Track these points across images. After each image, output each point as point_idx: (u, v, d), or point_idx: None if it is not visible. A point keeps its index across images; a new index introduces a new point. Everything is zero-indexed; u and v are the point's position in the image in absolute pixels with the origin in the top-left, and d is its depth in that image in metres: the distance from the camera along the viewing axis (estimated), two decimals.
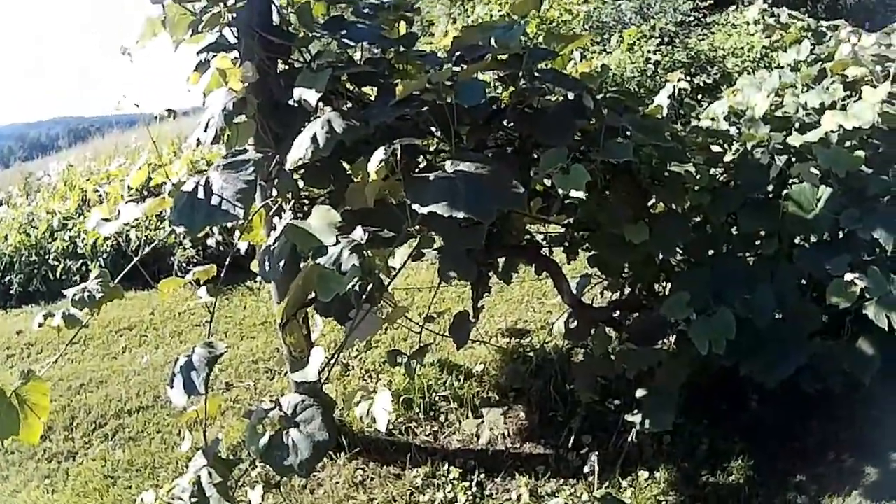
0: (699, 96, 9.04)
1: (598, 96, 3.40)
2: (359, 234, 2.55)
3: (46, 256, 8.14)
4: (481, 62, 2.98)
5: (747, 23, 10.45)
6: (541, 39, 3.60)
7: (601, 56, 10.56)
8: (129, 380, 5.31)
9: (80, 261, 7.98)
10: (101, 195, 7.60)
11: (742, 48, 10.44)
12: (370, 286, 2.62)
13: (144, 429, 4.61)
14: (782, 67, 4.53)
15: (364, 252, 2.51)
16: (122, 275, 3.28)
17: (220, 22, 3.24)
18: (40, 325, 3.10)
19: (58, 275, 7.92)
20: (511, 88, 3.26)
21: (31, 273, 8.07)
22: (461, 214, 2.43)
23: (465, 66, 2.98)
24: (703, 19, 12.31)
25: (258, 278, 5.84)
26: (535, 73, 3.20)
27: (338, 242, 2.52)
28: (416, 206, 2.46)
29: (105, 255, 7.80)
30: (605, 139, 3.03)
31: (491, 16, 9.43)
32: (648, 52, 10.26)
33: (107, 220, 3.40)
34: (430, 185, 2.53)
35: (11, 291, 7.99)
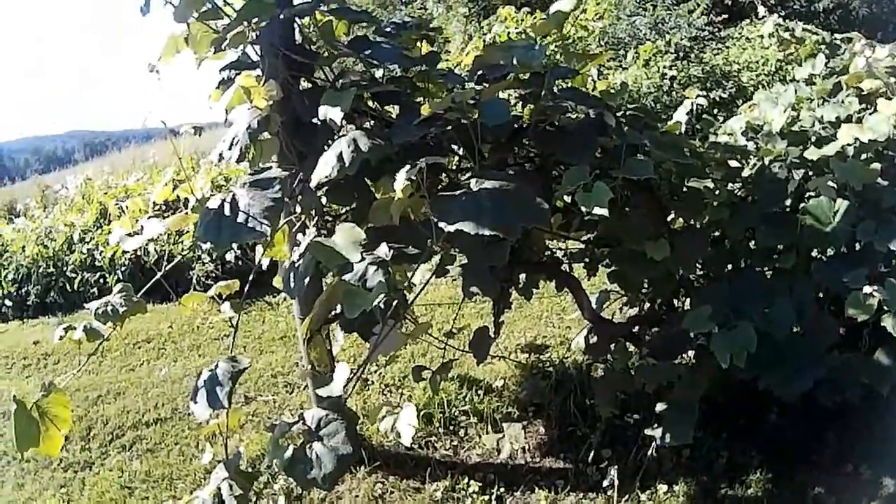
0: (715, 111, 9.04)
1: (618, 114, 3.43)
2: (383, 250, 2.57)
3: (64, 268, 8.22)
4: (504, 81, 3.02)
5: (761, 36, 10.45)
6: (558, 57, 3.64)
7: (617, 72, 10.59)
8: (147, 392, 5.34)
9: (98, 273, 8.06)
10: (121, 209, 7.67)
11: (756, 62, 10.45)
12: (395, 302, 2.65)
13: (162, 440, 4.62)
14: (797, 81, 4.55)
15: (390, 268, 2.54)
16: (144, 289, 3.31)
17: (244, 40, 3.27)
18: (61, 338, 3.12)
19: (75, 287, 8.00)
20: (531, 107, 3.29)
21: (49, 284, 8.16)
22: (487, 232, 2.45)
23: (487, 85, 3.01)
24: (717, 33, 12.33)
25: (277, 293, 5.87)
26: (556, 92, 3.23)
27: (363, 259, 2.55)
28: (442, 224, 2.48)
29: (123, 268, 7.87)
30: (625, 156, 3.05)
31: (508, 34, 9.46)
32: (664, 67, 10.27)
33: (130, 234, 3.44)
34: (456, 202, 2.55)
35: (29, 302, 8.09)
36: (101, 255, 8.11)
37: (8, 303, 8.15)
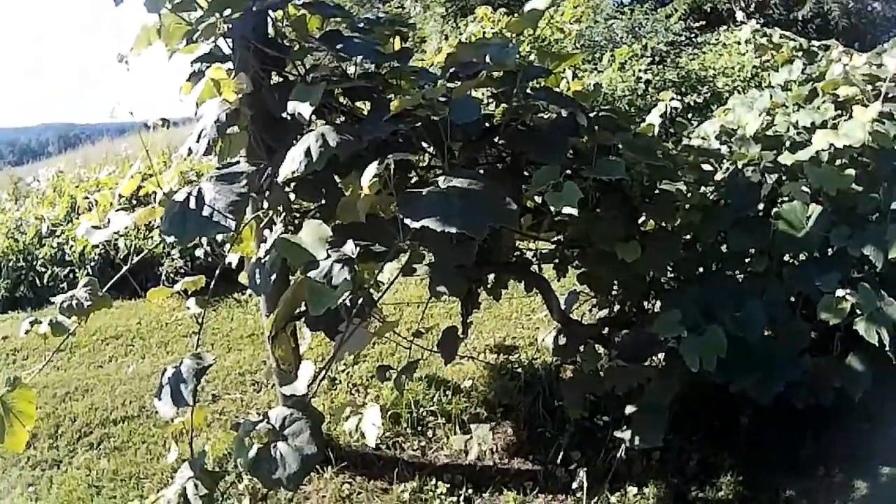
0: (689, 115, 9.07)
1: (591, 115, 3.42)
2: (350, 248, 2.55)
3: (34, 262, 8.11)
4: (475, 79, 2.99)
5: (738, 42, 10.50)
6: (533, 57, 3.62)
7: (593, 75, 10.60)
8: (115, 389, 5.27)
9: (68, 268, 7.96)
10: (90, 203, 7.60)
11: (733, 68, 10.50)
12: (360, 300, 2.62)
13: (130, 438, 4.57)
14: (773, 87, 4.56)
15: (355, 266, 2.51)
16: (110, 283, 3.26)
17: (216, 33, 3.23)
18: (27, 332, 3.09)
19: (45, 281, 7.90)
20: (504, 106, 3.27)
21: (18, 279, 8.05)
22: (453, 230, 2.42)
23: (459, 83, 2.98)
24: (694, 39, 12.39)
25: (246, 290, 5.83)
26: (529, 91, 3.21)
27: (329, 256, 2.52)
28: (408, 221, 2.46)
29: (93, 263, 7.77)
30: (597, 157, 3.04)
31: (483, 33, 9.44)
32: (640, 71, 10.29)
33: (97, 227, 3.39)
34: (423, 199, 2.52)
35: None
36: (71, 249, 8.02)
37: None
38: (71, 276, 7.85)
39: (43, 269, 8.00)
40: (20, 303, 7.91)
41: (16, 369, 5.83)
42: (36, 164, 17.00)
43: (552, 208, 2.77)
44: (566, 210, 2.70)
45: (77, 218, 8.14)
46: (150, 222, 3.43)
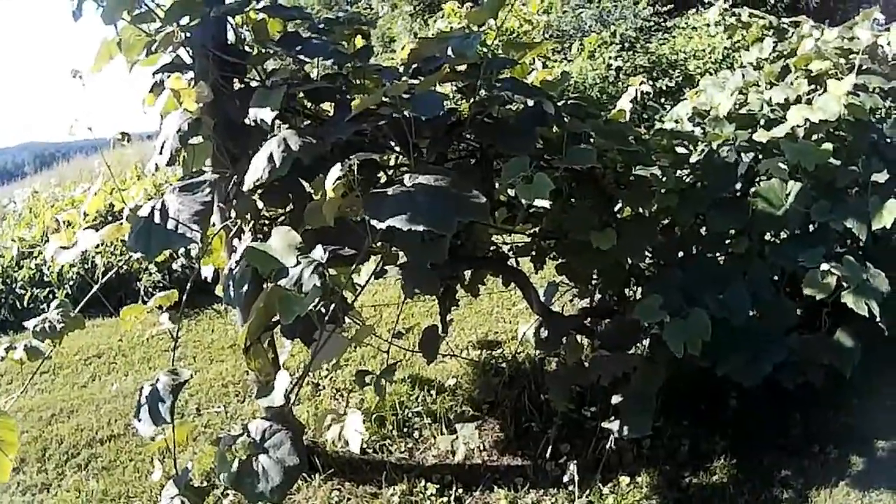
0: (662, 100, 9.08)
1: (560, 103, 3.38)
2: (319, 253, 2.51)
3: (13, 285, 8.02)
4: (438, 73, 2.95)
5: (707, 25, 10.51)
6: (499, 51, 3.58)
7: (562, 64, 10.59)
8: (100, 408, 5.22)
9: (48, 289, 7.87)
10: (60, 223, 7.55)
11: (703, 50, 10.51)
12: (333, 305, 2.58)
13: (117, 458, 4.51)
14: (745, 66, 4.54)
15: (325, 271, 2.47)
16: (83, 303, 3.23)
17: (174, 42, 3.18)
18: (2, 359, 3.05)
19: (25, 303, 7.80)
20: (471, 99, 3.23)
21: None
22: (420, 228, 2.39)
23: (422, 78, 2.94)
24: (663, 23, 12.38)
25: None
26: (495, 83, 3.17)
27: (298, 263, 2.48)
28: (374, 222, 2.43)
29: (71, 283, 7.71)
30: (567, 146, 3.00)
31: (451, 28, 9.42)
32: (610, 58, 10.30)
33: (65, 247, 3.34)
34: (388, 199, 2.49)
35: None
36: (49, 270, 7.94)
37: None
38: (50, 296, 7.74)
39: (22, 291, 7.91)
40: (2, 326, 7.82)
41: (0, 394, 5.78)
42: (12, 185, 16.88)
43: (524, 201, 2.73)
44: (538, 202, 2.67)
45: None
46: (124, 238, 3.39)
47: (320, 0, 20.58)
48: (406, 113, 2.74)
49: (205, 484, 3.80)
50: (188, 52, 3.26)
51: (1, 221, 10.86)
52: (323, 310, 2.55)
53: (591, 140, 3.21)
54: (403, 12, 15.26)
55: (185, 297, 3.11)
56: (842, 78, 3.61)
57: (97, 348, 6.36)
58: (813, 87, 3.83)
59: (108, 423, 4.97)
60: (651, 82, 9.20)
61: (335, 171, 2.43)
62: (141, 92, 3.58)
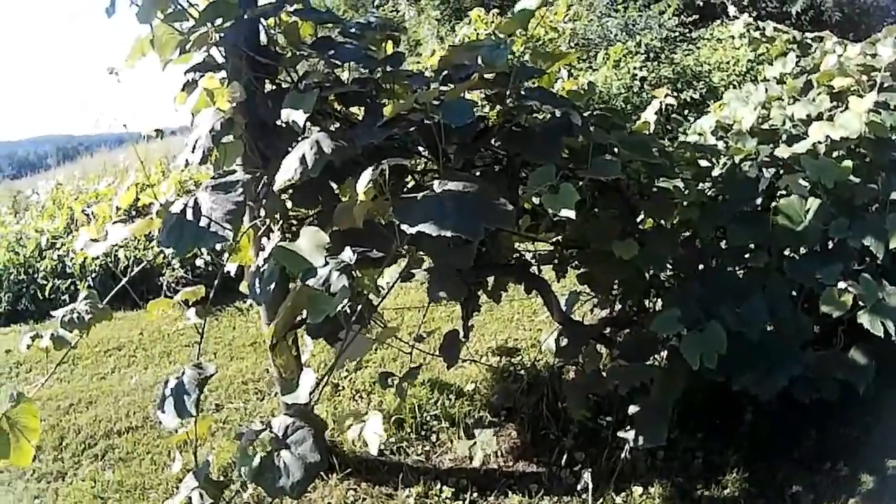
0: (685, 111, 9.07)
1: (585, 113, 3.41)
2: (348, 254, 2.54)
3: (35, 275, 8.12)
4: (468, 81, 2.98)
5: (732, 37, 10.49)
6: (527, 57, 3.61)
7: (587, 73, 10.59)
8: (119, 400, 5.27)
9: (69, 280, 7.97)
10: (87, 215, 7.62)
11: (727, 62, 10.49)
12: (360, 307, 2.62)
13: (134, 449, 4.56)
14: (768, 80, 4.55)
15: (353, 273, 2.50)
16: (110, 296, 3.26)
17: (208, 42, 3.23)
18: (28, 347, 3.09)
19: (47, 294, 7.91)
20: (498, 107, 3.26)
21: (20, 292, 8.06)
22: (449, 233, 2.41)
23: (452, 86, 2.98)
24: (688, 34, 12.36)
25: (247, 299, 5.84)
26: (523, 92, 3.20)
27: (327, 264, 2.51)
28: (404, 227, 2.45)
29: (94, 275, 7.79)
30: (592, 157, 3.03)
31: (477, 35, 9.44)
32: (634, 68, 10.30)
33: (95, 240, 3.39)
34: (418, 204, 2.51)
35: (0, 310, 7.96)
36: (71, 261, 8.03)
37: None
38: (72, 288, 7.86)
39: (44, 282, 8.01)
40: (22, 316, 7.91)
41: (19, 382, 5.84)
42: (35, 176, 16.99)
43: (549, 210, 2.76)
44: (564, 212, 2.68)
45: (77, 230, 8.15)
46: (149, 233, 3.42)
47: (346, 1, 20.63)
48: (436, 119, 2.78)
49: (222, 479, 3.84)
50: (220, 51, 3.31)
51: (24, 212, 10.95)
52: (349, 310, 2.59)
53: (616, 151, 3.23)
54: (430, 17, 15.30)
55: (212, 294, 3.15)
56: (863, 95, 3.62)
57: (118, 341, 6.43)
58: (835, 103, 3.84)
59: (127, 414, 5.02)
60: (675, 93, 9.19)
61: (367, 174, 2.46)
62: (165, 87, 3.64)
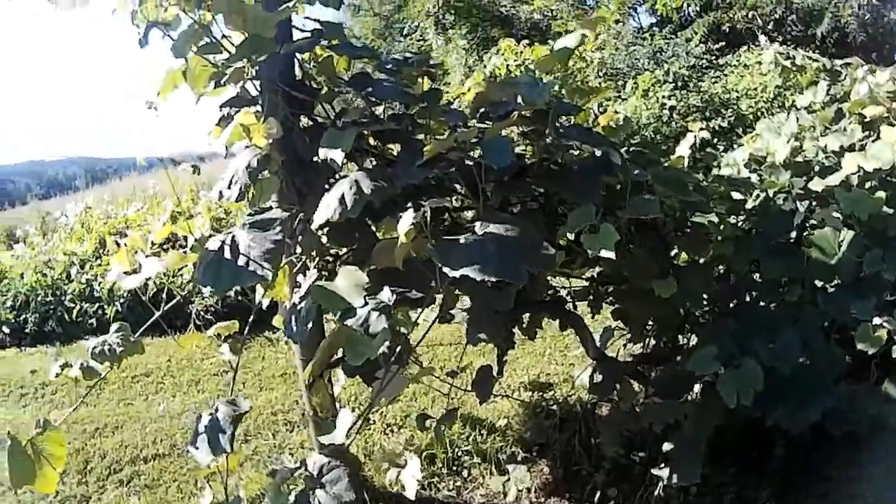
0: (715, 140, 9.04)
1: (622, 149, 3.40)
2: (387, 294, 2.53)
3: (63, 297, 8.18)
4: (508, 120, 2.98)
5: (759, 63, 10.48)
6: (556, 88, 3.60)
7: (617, 103, 10.59)
8: (146, 426, 5.28)
9: (97, 304, 8.01)
10: (118, 244, 7.68)
11: (755, 89, 10.46)
12: (398, 347, 2.61)
13: (160, 476, 4.56)
14: (798, 109, 4.54)
15: (391, 313, 2.49)
16: (142, 329, 3.28)
17: (243, 76, 3.24)
18: (57, 375, 3.10)
19: (73, 316, 7.96)
20: (534, 145, 3.25)
21: (47, 313, 8.12)
22: (493, 278, 2.41)
23: (489, 123, 2.97)
24: (715, 61, 12.35)
25: (277, 329, 5.86)
26: (560, 129, 3.20)
27: (366, 304, 2.50)
28: (447, 270, 2.44)
29: (122, 300, 7.83)
30: (630, 195, 3.02)
31: (507, 65, 9.46)
32: (663, 97, 10.29)
33: (127, 273, 3.40)
34: (460, 247, 2.51)
35: (27, 330, 8.05)
36: (99, 285, 8.08)
37: (6, 329, 8.09)
38: (100, 311, 7.91)
39: (72, 305, 8.06)
40: (49, 337, 7.96)
41: (44, 404, 5.88)
42: (63, 197, 17.13)
43: (588, 250, 2.74)
44: (604, 253, 2.67)
45: (106, 255, 8.21)
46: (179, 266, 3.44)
47: (374, 31, 20.73)
48: (476, 160, 2.77)
49: None
50: (255, 86, 3.32)
51: (52, 233, 11.03)
52: (388, 350, 2.58)
53: (652, 188, 3.22)
54: (458, 46, 15.33)
55: (246, 328, 3.15)
56: (894, 123, 3.60)
57: (145, 367, 6.45)
58: (867, 132, 3.82)
59: (154, 441, 5.02)
60: (704, 121, 9.17)
61: (409, 216, 2.45)
62: (195, 114, 3.65)
